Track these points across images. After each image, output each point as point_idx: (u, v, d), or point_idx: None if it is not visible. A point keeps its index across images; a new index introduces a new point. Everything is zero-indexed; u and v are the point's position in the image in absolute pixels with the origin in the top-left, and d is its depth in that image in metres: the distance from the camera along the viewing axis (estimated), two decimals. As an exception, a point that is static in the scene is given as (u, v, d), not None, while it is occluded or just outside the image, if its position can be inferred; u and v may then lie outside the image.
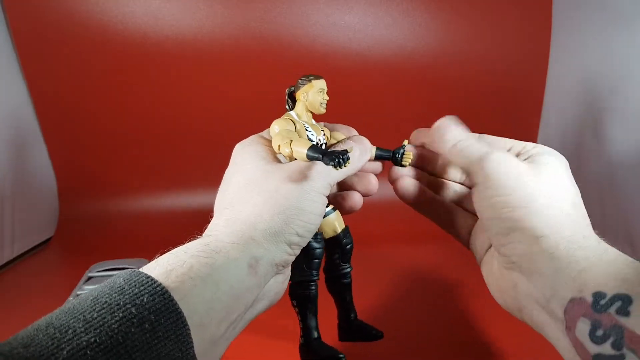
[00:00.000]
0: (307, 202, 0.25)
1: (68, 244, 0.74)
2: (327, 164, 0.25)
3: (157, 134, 0.81)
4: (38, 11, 0.71)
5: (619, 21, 0.62)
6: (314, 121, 0.31)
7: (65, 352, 0.17)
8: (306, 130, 0.29)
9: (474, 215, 0.32)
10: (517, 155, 0.28)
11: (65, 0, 0.72)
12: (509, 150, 0.29)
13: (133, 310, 0.19)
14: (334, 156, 0.24)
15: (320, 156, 0.25)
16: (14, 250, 0.68)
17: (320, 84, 0.30)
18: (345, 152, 0.25)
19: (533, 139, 0.84)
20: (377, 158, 0.32)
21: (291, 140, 0.26)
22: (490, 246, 0.30)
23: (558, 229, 0.24)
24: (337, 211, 0.32)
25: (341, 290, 0.33)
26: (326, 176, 0.26)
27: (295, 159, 0.27)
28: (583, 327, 0.20)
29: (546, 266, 0.23)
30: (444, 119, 0.30)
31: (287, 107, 0.31)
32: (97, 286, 0.21)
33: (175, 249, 0.24)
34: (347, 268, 0.33)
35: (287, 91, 0.31)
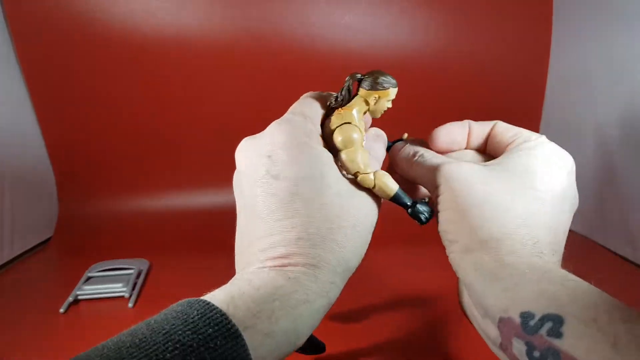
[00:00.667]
0: (368, 232, 0.25)
1: (67, 244, 0.74)
2: (413, 216, 0.25)
3: (157, 134, 0.80)
4: (38, 11, 0.71)
5: (620, 21, 0.62)
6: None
7: None
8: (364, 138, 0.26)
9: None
10: (515, 146, 0.26)
11: (65, 0, 0.71)
12: (511, 142, 0.27)
13: (206, 355, 0.17)
14: (424, 209, 0.25)
15: (408, 203, 0.24)
16: (13, 250, 0.67)
17: (394, 93, 0.26)
18: (432, 209, 0.25)
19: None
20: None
21: (375, 171, 0.24)
22: None
23: (487, 242, 0.22)
24: None
25: None
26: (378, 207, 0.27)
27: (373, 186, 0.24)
28: (519, 347, 0.19)
29: (475, 281, 0.22)
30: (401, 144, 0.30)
31: (340, 95, 0.26)
32: (166, 312, 0.19)
33: (258, 275, 0.21)
34: None
35: (347, 82, 0.26)
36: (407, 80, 0.81)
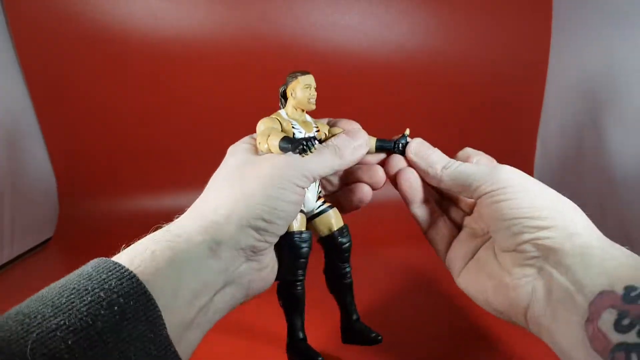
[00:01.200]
0: (274, 189, 0.26)
1: (68, 244, 0.74)
2: (294, 152, 0.26)
3: (158, 134, 0.80)
4: (38, 11, 0.71)
5: (619, 21, 0.62)
6: (308, 118, 0.31)
7: (34, 335, 0.17)
8: (293, 128, 0.29)
9: (454, 227, 0.33)
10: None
11: (65, 0, 0.72)
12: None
13: (101, 294, 0.19)
14: (299, 143, 0.25)
15: (289, 145, 0.26)
16: (13, 250, 0.67)
17: (307, 79, 0.30)
18: (312, 139, 0.26)
19: (533, 140, 0.84)
20: (378, 149, 0.32)
21: (269, 135, 0.27)
22: (472, 255, 0.30)
23: (588, 228, 0.25)
24: (335, 209, 0.32)
25: (341, 291, 0.32)
26: (300, 167, 0.27)
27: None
28: (608, 318, 0.21)
29: (578, 261, 0.24)
30: (417, 142, 0.31)
31: (280, 105, 0.31)
32: (65, 276, 0.21)
33: (141, 239, 0.24)
34: (345, 268, 0.32)
35: (280, 90, 0.31)
36: (406, 80, 0.82)
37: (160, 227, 0.26)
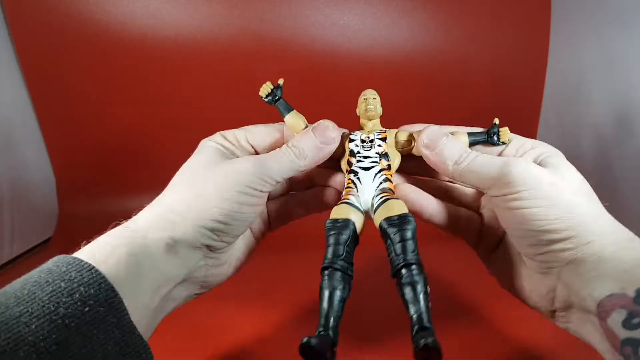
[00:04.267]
0: (230, 193, 0.26)
1: (67, 244, 0.73)
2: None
3: (158, 134, 0.80)
4: (38, 11, 0.71)
5: (617, 22, 0.62)
6: (374, 126, 0.32)
7: None
8: (350, 139, 0.31)
9: (477, 215, 0.31)
10: (521, 157, 0.28)
11: (65, 0, 0.72)
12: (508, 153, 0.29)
13: (62, 284, 0.20)
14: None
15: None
16: (13, 250, 0.67)
17: (365, 93, 0.31)
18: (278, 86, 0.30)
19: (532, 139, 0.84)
20: (472, 144, 0.30)
21: None
22: (498, 244, 0.30)
23: (601, 233, 0.24)
24: (395, 200, 0.27)
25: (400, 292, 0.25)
26: (259, 172, 0.27)
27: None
28: (617, 317, 0.21)
29: (591, 269, 0.23)
30: (429, 131, 0.28)
31: None
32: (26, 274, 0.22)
33: (99, 237, 0.26)
34: (396, 263, 0.25)
35: None
36: (405, 80, 0.82)
37: (119, 224, 0.27)
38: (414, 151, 0.30)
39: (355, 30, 0.79)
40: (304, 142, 0.28)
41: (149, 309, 0.24)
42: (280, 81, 0.30)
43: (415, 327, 0.23)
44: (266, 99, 0.30)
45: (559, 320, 0.26)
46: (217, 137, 0.31)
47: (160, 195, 0.28)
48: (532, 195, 0.24)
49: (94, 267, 0.21)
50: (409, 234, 0.25)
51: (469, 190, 0.32)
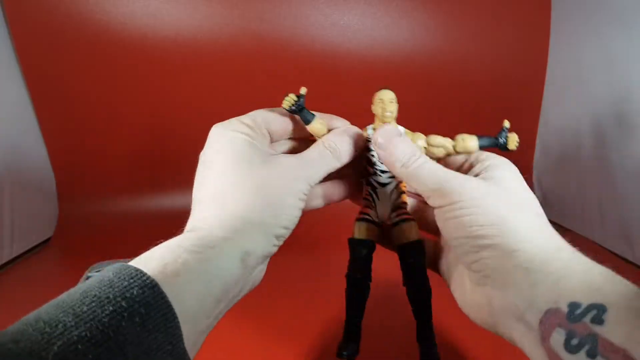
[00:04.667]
0: (293, 199, 0.26)
1: (67, 244, 0.74)
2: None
3: (158, 134, 0.81)
4: (38, 11, 0.71)
5: (617, 21, 0.62)
6: (401, 129, 0.31)
7: (56, 348, 0.17)
8: (367, 142, 0.31)
9: (435, 231, 0.32)
10: (470, 167, 0.29)
11: (65, 0, 0.72)
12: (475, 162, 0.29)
13: (123, 303, 0.19)
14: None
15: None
16: (13, 250, 0.67)
17: (381, 94, 0.30)
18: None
19: (532, 139, 0.84)
20: (481, 147, 0.30)
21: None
22: (458, 263, 0.30)
23: (530, 242, 0.24)
24: (411, 222, 0.31)
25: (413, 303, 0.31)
26: (313, 177, 0.27)
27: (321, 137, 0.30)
28: (558, 338, 0.20)
29: (521, 279, 0.23)
30: (382, 130, 0.29)
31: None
32: (86, 281, 0.21)
33: (169, 242, 0.24)
34: (410, 288, 0.31)
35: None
36: (405, 80, 0.82)
37: (182, 231, 0.25)
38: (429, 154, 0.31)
39: (355, 30, 0.79)
40: (342, 144, 0.29)
41: (204, 330, 0.23)
42: (303, 90, 0.29)
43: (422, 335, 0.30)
44: (289, 110, 0.30)
45: (504, 336, 0.25)
46: (238, 124, 0.29)
47: (225, 201, 0.26)
48: (465, 204, 0.25)
49: (157, 284, 0.20)
50: (420, 262, 0.30)
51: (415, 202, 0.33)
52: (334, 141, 0.29)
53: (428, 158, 0.28)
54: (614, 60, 0.63)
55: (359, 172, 0.32)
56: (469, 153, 0.30)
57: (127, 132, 0.80)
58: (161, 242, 0.24)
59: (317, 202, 0.32)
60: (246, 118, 0.29)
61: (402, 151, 0.28)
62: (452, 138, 0.30)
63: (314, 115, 0.30)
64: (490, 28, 0.81)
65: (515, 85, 0.84)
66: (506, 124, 0.30)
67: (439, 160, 0.30)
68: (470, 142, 0.30)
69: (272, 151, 0.29)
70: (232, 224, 0.25)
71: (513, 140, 0.30)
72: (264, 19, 0.77)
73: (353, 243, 0.31)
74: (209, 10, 0.76)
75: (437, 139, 0.30)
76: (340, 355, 0.31)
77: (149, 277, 0.20)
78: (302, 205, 0.27)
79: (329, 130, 0.31)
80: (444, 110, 0.82)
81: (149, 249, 0.24)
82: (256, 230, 0.25)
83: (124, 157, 0.81)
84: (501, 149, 0.30)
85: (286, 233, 0.26)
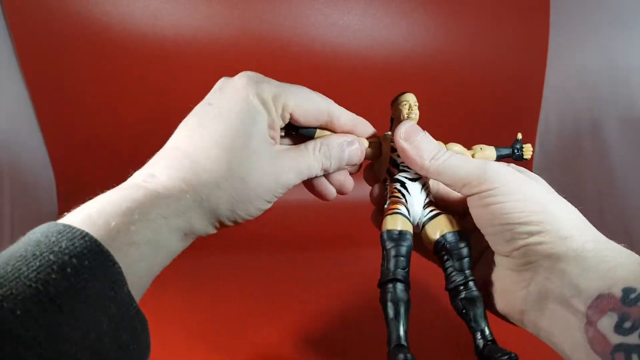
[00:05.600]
0: (268, 196, 0.26)
1: (67, 244, 0.74)
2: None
3: (157, 134, 0.80)
4: (38, 11, 0.71)
5: (617, 22, 0.62)
6: None
7: None
8: (390, 144, 0.30)
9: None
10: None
11: (65, 0, 0.72)
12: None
13: (51, 257, 0.18)
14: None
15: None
16: (13, 250, 0.67)
17: (404, 97, 0.30)
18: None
19: (532, 140, 0.84)
20: (498, 158, 0.31)
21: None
22: (482, 252, 0.30)
23: (581, 230, 0.24)
24: (447, 215, 0.29)
25: (465, 306, 0.27)
26: (304, 173, 0.27)
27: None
28: (608, 321, 0.20)
29: (572, 265, 0.23)
30: (406, 125, 0.29)
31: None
32: (12, 245, 0.20)
33: (118, 198, 0.23)
34: (466, 278, 0.27)
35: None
36: (405, 80, 0.82)
37: (131, 174, 0.25)
38: None
39: (355, 30, 0.79)
40: (334, 149, 0.29)
41: (151, 271, 0.22)
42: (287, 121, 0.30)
43: (485, 336, 0.26)
44: (285, 132, 0.30)
45: (528, 323, 0.25)
46: (264, 92, 0.27)
47: (187, 150, 0.26)
48: (507, 190, 0.25)
49: (87, 233, 0.19)
50: (466, 252, 0.28)
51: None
52: (326, 144, 0.29)
53: (452, 152, 0.28)
54: (614, 60, 0.63)
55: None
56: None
57: (127, 132, 0.80)
58: (106, 191, 0.23)
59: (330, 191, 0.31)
60: (275, 87, 0.28)
61: (428, 145, 0.28)
62: (469, 148, 0.31)
63: (314, 129, 0.30)
64: (490, 28, 0.81)
65: (515, 85, 0.83)
66: (519, 136, 0.31)
67: None
68: (489, 152, 0.31)
69: (275, 134, 0.28)
70: (193, 192, 0.24)
71: (528, 151, 0.31)
72: (264, 19, 0.77)
73: (391, 236, 0.27)
74: (209, 10, 0.76)
75: (455, 147, 0.30)
76: None
77: (78, 229, 0.19)
78: (267, 206, 0.27)
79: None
80: (444, 110, 0.82)
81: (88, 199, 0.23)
82: (210, 213, 0.25)
83: (124, 157, 0.81)
84: (516, 159, 0.31)
85: (229, 223, 0.26)
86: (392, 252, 0.27)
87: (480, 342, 0.26)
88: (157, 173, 0.25)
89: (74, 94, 0.77)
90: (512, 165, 0.29)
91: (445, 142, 0.30)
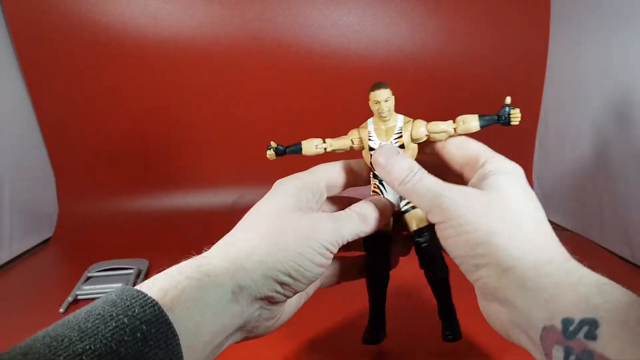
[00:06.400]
0: (308, 250, 0.26)
1: (67, 244, 0.74)
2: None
3: (157, 134, 0.81)
4: (38, 12, 0.71)
5: (617, 21, 0.62)
6: (399, 122, 0.32)
7: (61, 358, 0.18)
8: (370, 139, 0.32)
9: None
10: (474, 167, 0.29)
11: (65, 1, 0.72)
12: (467, 164, 0.30)
13: (125, 320, 0.20)
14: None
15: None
16: (12, 250, 0.68)
17: (372, 96, 0.31)
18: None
19: (531, 140, 0.84)
20: (482, 127, 0.31)
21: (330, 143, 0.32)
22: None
23: (522, 257, 0.23)
24: (418, 210, 0.31)
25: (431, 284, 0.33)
26: (336, 233, 0.27)
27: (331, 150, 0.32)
28: (557, 355, 0.20)
29: (517, 297, 0.23)
30: (381, 150, 0.30)
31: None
32: (90, 303, 0.22)
33: (171, 269, 0.25)
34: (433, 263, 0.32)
35: None
36: (404, 80, 0.82)
37: (191, 257, 0.26)
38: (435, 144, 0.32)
39: (355, 30, 0.79)
40: (366, 209, 0.30)
41: (202, 357, 0.24)
42: (273, 144, 0.31)
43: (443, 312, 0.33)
44: (277, 156, 0.31)
45: (519, 344, 0.25)
46: (295, 181, 0.30)
47: (232, 235, 0.28)
48: (459, 222, 0.25)
49: (157, 303, 0.21)
50: (432, 245, 0.31)
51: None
52: (359, 206, 0.30)
53: (425, 172, 0.28)
54: (613, 60, 0.63)
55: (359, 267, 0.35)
56: (470, 133, 0.30)
57: (127, 132, 0.80)
58: (164, 270, 0.25)
59: (353, 274, 0.35)
60: (306, 173, 0.31)
61: (399, 169, 0.29)
62: (454, 120, 0.31)
63: (300, 146, 0.32)
64: (490, 28, 0.81)
65: (515, 86, 0.84)
66: (508, 100, 0.30)
67: (442, 148, 0.31)
68: (471, 123, 0.30)
69: (315, 207, 0.30)
70: (235, 257, 0.26)
71: (516, 116, 0.30)
72: (263, 19, 0.77)
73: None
74: (209, 10, 0.76)
75: (438, 126, 0.31)
76: (366, 341, 0.34)
77: (150, 297, 0.21)
78: (319, 259, 0.27)
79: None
80: (444, 110, 0.81)
81: (154, 254, 0.24)
82: (255, 268, 0.25)
83: (123, 157, 0.81)
84: (503, 125, 0.30)
85: (293, 283, 0.26)
86: (371, 247, 0.33)
87: (442, 313, 0.33)
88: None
89: (74, 94, 0.77)
90: (503, 169, 0.28)
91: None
